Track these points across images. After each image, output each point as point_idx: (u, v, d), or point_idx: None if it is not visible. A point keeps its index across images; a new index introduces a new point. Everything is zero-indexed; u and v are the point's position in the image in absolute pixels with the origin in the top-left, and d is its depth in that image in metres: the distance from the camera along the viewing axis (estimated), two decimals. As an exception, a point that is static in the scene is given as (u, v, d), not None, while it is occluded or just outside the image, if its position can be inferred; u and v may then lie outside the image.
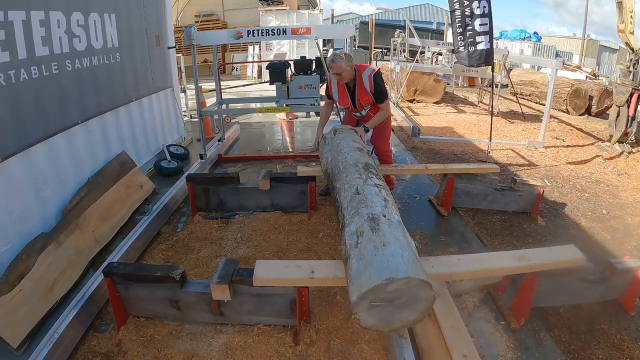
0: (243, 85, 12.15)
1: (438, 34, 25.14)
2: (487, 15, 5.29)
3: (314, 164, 4.48)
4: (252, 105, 7.38)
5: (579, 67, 15.90)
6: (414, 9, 37.85)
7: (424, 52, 14.39)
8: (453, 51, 12.92)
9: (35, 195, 3.39)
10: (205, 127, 7.14)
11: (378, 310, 1.84)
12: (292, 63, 5.72)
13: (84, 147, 4.09)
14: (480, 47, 5.40)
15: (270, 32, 4.88)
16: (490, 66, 6.08)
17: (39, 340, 2.55)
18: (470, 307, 2.79)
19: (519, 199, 4.11)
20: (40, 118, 3.44)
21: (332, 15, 15.14)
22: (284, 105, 5.42)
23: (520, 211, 4.18)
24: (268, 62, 6.26)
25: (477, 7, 5.25)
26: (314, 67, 5.61)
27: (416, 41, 10.67)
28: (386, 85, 5.09)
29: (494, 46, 5.78)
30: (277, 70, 5.40)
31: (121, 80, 4.83)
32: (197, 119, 8.34)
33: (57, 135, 3.70)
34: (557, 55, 23.23)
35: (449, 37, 23.56)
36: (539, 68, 14.03)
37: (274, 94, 5.73)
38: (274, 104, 5.55)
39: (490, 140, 5.89)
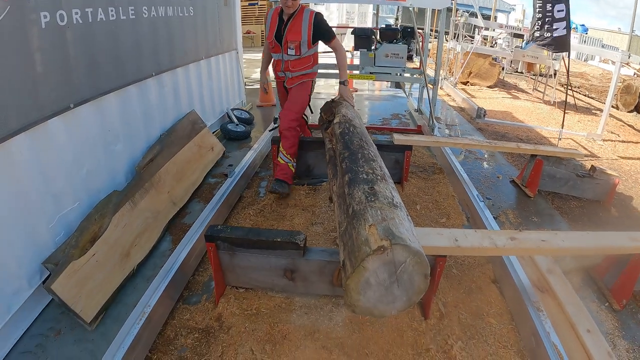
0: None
1: (483, 18, 24.00)
2: (564, 1, 5.21)
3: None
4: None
5: (627, 63, 14.88)
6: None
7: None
8: (515, 35, 12.34)
9: (105, 149, 3.04)
10: (264, 94, 6.79)
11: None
12: (377, 31, 5.47)
13: (156, 102, 3.73)
14: (556, 33, 5.31)
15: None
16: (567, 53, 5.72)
17: (120, 315, 2.23)
18: (576, 286, 2.69)
19: (595, 187, 4.04)
20: (114, 65, 3.07)
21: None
22: (369, 72, 5.08)
23: (595, 199, 4.10)
24: (353, 28, 5.93)
25: None
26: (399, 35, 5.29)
27: (479, 22, 10.10)
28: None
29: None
30: (364, 37, 5.06)
31: (193, 36, 4.47)
32: (250, 86, 8.11)
33: (131, 86, 3.34)
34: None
35: (499, 20, 22.57)
36: (585, 59, 13.32)
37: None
38: (356, 72, 5.19)
39: (562, 129, 5.85)
